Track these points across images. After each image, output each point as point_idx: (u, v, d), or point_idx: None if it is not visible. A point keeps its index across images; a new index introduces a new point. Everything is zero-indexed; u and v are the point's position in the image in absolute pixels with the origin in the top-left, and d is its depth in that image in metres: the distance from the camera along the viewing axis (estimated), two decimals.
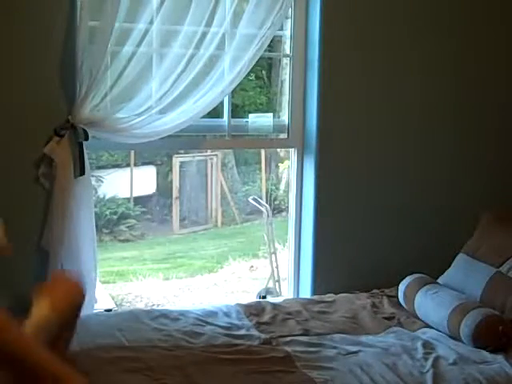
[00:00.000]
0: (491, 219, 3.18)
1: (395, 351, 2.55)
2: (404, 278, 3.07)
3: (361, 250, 3.42)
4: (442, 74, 3.47)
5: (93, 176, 3.26)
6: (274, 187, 7.23)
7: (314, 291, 3.32)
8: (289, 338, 2.65)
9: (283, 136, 3.42)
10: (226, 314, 2.87)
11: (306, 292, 3.39)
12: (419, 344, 2.62)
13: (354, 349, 2.56)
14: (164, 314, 2.83)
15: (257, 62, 3.11)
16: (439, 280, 3.08)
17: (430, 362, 2.46)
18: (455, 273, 3.09)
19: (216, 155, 7.11)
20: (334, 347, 2.58)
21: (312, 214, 3.33)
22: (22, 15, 2.78)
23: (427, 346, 2.61)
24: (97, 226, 3.09)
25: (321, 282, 3.33)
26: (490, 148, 3.61)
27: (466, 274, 3.01)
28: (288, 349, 2.54)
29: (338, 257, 3.38)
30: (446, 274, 3.12)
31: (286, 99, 3.44)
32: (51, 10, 2.81)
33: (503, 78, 3.60)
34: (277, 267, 4.90)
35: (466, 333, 2.61)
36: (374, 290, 3.23)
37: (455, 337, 2.68)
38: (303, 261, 3.44)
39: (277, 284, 4.78)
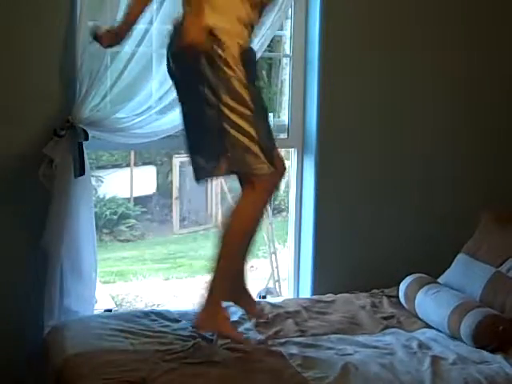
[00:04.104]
0: (491, 219, 3.17)
1: (392, 351, 2.54)
2: (404, 278, 3.07)
3: (361, 250, 3.41)
4: (443, 73, 3.47)
5: (93, 176, 3.26)
6: None
7: (314, 291, 3.32)
8: (286, 339, 2.64)
9: (283, 136, 3.42)
10: None
11: (306, 292, 3.39)
12: (418, 344, 2.61)
13: (351, 349, 2.56)
14: (163, 315, 2.83)
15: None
16: (439, 280, 3.08)
17: (428, 361, 2.45)
18: (455, 273, 3.08)
19: None
20: (331, 347, 2.57)
21: (312, 214, 3.33)
22: (21, 15, 2.79)
23: (426, 345, 2.60)
24: (97, 226, 3.09)
25: (321, 282, 3.33)
26: (491, 148, 3.61)
27: (466, 274, 3.01)
28: (284, 349, 2.54)
29: (338, 257, 3.38)
30: (446, 273, 3.12)
31: (285, 99, 3.44)
32: (51, 9, 2.82)
33: (506, 79, 3.61)
34: (277, 267, 4.90)
35: (467, 333, 2.61)
36: (374, 290, 3.22)
37: (455, 336, 2.68)
38: (303, 261, 3.44)
39: (277, 284, 4.78)
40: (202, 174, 2.43)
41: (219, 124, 2.30)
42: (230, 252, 2.39)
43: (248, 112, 2.30)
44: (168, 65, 2.48)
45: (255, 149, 2.32)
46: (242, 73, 2.30)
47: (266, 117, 2.47)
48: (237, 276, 2.54)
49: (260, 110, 2.38)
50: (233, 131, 2.30)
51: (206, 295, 2.39)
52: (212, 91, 2.29)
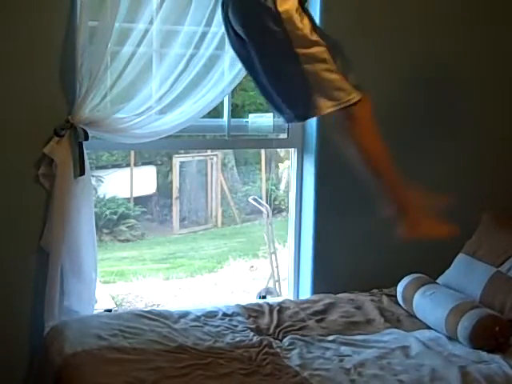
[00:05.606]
0: (491, 219, 3.17)
1: (392, 351, 2.54)
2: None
3: (361, 250, 3.41)
4: (444, 70, 3.46)
5: (93, 176, 3.26)
6: (273, 187, 7.24)
7: (314, 291, 3.32)
8: (286, 339, 2.65)
9: (283, 136, 3.42)
10: (226, 314, 2.87)
11: (305, 292, 3.39)
12: (416, 344, 2.61)
13: (350, 349, 2.56)
14: (164, 316, 2.83)
15: None
16: (439, 280, 3.08)
17: (426, 361, 2.46)
18: (455, 273, 3.08)
19: (216, 155, 7.11)
20: (330, 348, 2.57)
21: (312, 214, 3.33)
22: (21, 15, 2.78)
23: (425, 346, 2.60)
24: (97, 226, 3.09)
25: (321, 282, 3.33)
26: (492, 148, 3.61)
27: (466, 274, 3.01)
28: (284, 349, 2.55)
29: (337, 257, 3.38)
30: (445, 274, 3.12)
31: None
32: (51, 10, 2.82)
33: (505, 81, 3.61)
34: (277, 267, 4.91)
35: (464, 335, 2.61)
36: (374, 290, 3.22)
37: (453, 338, 2.67)
38: (303, 261, 3.44)
39: (277, 284, 4.79)
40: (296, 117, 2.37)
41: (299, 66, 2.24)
42: (385, 169, 2.51)
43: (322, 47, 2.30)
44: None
45: (339, 81, 2.32)
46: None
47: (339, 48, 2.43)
48: None
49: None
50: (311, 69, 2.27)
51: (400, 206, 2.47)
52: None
